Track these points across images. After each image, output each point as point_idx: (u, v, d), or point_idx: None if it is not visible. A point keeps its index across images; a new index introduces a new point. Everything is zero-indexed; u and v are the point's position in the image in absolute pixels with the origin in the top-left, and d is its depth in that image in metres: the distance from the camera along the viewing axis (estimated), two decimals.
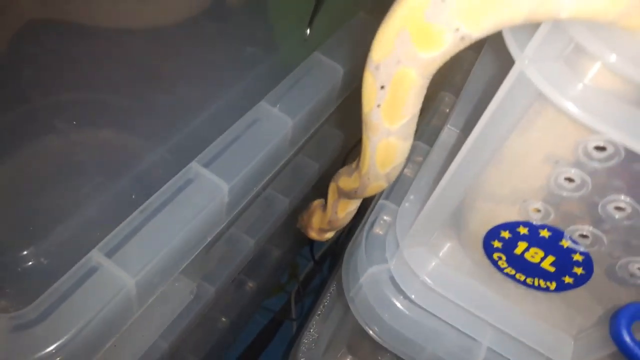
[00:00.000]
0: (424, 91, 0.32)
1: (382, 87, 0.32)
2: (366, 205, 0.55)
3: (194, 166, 0.51)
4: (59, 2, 0.61)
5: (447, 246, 0.47)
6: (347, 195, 0.46)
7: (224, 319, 0.90)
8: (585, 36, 0.27)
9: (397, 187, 0.55)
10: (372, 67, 0.31)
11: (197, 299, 0.64)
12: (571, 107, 0.28)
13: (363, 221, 0.55)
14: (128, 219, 0.46)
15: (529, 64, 0.29)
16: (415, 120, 0.34)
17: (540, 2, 0.25)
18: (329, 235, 0.57)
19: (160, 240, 0.46)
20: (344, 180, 0.45)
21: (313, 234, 0.57)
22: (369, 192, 0.43)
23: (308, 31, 0.67)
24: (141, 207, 0.47)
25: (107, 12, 0.62)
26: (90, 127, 0.54)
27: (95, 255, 0.43)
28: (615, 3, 0.24)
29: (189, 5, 0.66)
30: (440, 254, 0.47)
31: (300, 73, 0.61)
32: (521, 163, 0.36)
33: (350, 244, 0.55)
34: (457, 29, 0.27)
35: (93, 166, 0.51)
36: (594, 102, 0.28)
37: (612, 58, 0.26)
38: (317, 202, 0.57)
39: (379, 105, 0.33)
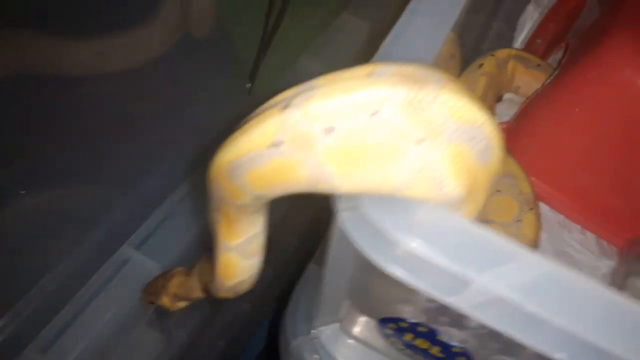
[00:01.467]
0: (261, 215, 0.32)
1: (218, 209, 0.32)
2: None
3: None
4: None
5: (360, 321, 0.48)
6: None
7: None
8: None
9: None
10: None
11: None
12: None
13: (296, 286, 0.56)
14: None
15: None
16: (258, 239, 0.34)
17: (317, 181, 0.24)
18: (181, 304, 0.53)
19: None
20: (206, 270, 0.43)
21: (165, 300, 0.52)
22: (220, 297, 0.41)
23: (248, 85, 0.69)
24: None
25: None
26: None
27: None
28: (384, 184, 0.24)
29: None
30: (354, 330, 0.48)
31: None
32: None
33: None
34: (252, 191, 0.28)
35: None
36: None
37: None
38: (180, 269, 0.53)
39: (218, 221, 0.33)
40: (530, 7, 0.75)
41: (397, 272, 0.25)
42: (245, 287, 0.38)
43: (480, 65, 0.62)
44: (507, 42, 0.74)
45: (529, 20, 0.74)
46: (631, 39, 0.50)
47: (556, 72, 0.59)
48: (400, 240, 0.24)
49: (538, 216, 0.53)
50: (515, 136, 0.61)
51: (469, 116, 0.23)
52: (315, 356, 0.49)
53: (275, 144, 0.23)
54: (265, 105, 0.25)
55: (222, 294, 0.38)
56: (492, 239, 0.24)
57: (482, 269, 0.23)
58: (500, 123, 0.63)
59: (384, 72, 0.23)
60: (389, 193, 0.23)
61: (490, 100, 0.61)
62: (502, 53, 0.64)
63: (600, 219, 0.58)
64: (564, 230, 0.58)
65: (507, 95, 0.67)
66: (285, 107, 0.23)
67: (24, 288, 0.52)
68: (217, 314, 0.65)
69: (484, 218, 0.53)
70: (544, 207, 0.59)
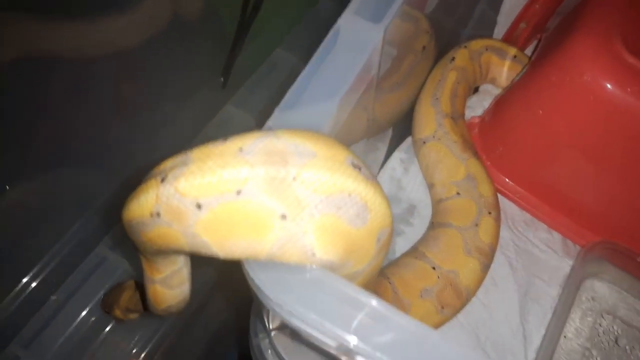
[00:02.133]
0: (178, 254, 0.34)
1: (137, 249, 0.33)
2: None
3: None
4: None
5: None
6: None
7: None
8: None
9: None
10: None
11: None
12: None
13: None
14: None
15: None
16: (181, 273, 0.36)
17: (198, 248, 0.26)
18: (133, 316, 0.54)
19: None
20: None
21: (117, 312, 0.53)
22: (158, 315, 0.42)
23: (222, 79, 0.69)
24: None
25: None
26: None
27: None
28: (255, 254, 0.24)
29: None
30: None
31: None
32: None
33: None
34: (151, 247, 0.28)
35: None
36: None
37: None
38: (131, 282, 0.54)
39: (140, 258, 0.35)
40: None
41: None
42: (176, 310, 0.39)
43: (452, 59, 0.61)
44: (490, 26, 0.72)
45: (513, 3, 0.71)
46: (592, 43, 0.48)
47: (525, 69, 0.57)
48: (271, 296, 0.25)
49: (497, 220, 0.53)
50: (485, 132, 0.61)
51: (334, 188, 0.23)
52: (271, 353, 0.52)
53: (155, 215, 0.25)
54: (152, 171, 0.26)
55: (158, 313, 0.40)
56: (362, 301, 0.25)
57: (346, 330, 0.24)
58: (472, 117, 0.63)
59: (253, 149, 0.23)
60: (265, 260, 0.25)
61: (462, 94, 0.60)
62: (476, 44, 0.63)
63: (567, 219, 0.57)
64: (529, 229, 0.58)
65: (483, 87, 0.66)
66: (162, 180, 0.24)
67: (8, 284, 0.55)
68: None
69: (441, 221, 0.54)
70: (510, 207, 0.59)
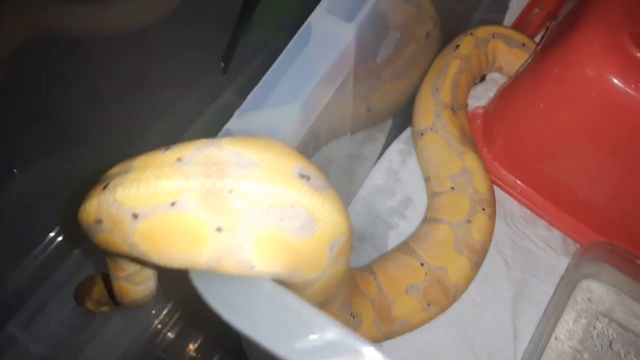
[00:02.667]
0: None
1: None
2: None
3: None
4: None
5: None
6: None
7: None
8: None
9: None
10: None
11: None
12: None
13: None
14: None
15: None
16: (145, 270, 0.35)
17: (139, 256, 0.25)
18: (105, 309, 0.54)
19: None
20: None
21: (89, 305, 0.54)
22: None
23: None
24: None
25: None
26: None
27: None
28: (193, 264, 0.24)
29: None
30: None
31: None
32: None
33: None
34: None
35: None
36: None
37: None
38: (99, 276, 0.54)
39: (105, 256, 0.35)
40: None
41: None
42: (142, 303, 0.39)
43: (456, 47, 0.59)
44: (502, 11, 0.68)
45: None
46: (597, 36, 0.45)
47: (530, 59, 0.55)
48: (211, 303, 0.25)
49: (491, 217, 0.51)
50: (488, 123, 0.59)
51: (275, 200, 0.23)
52: None
53: (98, 221, 0.25)
54: (102, 176, 0.26)
55: (125, 306, 0.40)
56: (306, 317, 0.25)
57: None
58: (476, 108, 0.60)
59: (191, 160, 0.23)
60: (204, 270, 0.24)
61: (464, 84, 0.58)
62: (483, 31, 0.60)
63: (569, 216, 0.55)
64: (528, 226, 0.56)
65: (490, 76, 0.64)
66: (104, 187, 0.24)
67: (8, 264, 0.57)
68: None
69: (434, 216, 0.53)
70: (510, 202, 0.57)
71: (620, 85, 0.45)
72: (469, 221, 0.51)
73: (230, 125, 0.28)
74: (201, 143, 0.24)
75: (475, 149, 0.55)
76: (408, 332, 0.49)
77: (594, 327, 0.51)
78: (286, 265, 0.25)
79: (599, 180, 0.52)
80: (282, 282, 0.26)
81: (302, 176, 0.24)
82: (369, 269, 0.49)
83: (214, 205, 0.22)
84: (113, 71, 0.61)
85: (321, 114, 0.38)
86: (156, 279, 0.37)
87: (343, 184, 0.56)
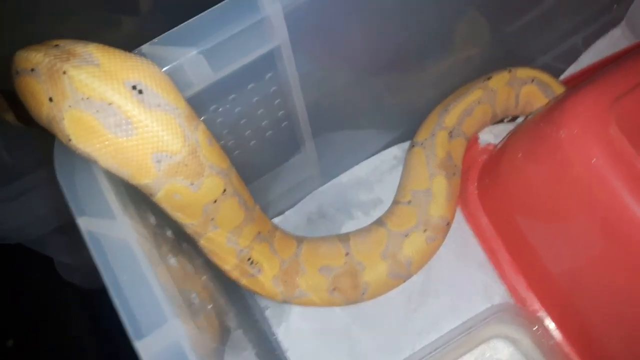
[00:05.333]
0: None
1: None
2: None
3: None
4: None
5: None
6: None
7: None
8: None
9: None
10: None
11: None
12: None
13: None
14: None
15: None
16: None
17: None
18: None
19: None
20: None
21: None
22: None
23: None
24: None
25: None
26: None
27: None
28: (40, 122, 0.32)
29: None
30: None
31: None
32: None
33: None
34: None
35: None
36: None
37: None
38: None
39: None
40: (617, 31, 0.63)
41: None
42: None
43: (488, 78, 0.59)
44: (568, 62, 0.65)
45: (608, 44, 0.63)
46: (586, 103, 0.44)
47: (530, 119, 0.53)
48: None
49: (431, 241, 0.52)
50: (487, 161, 0.59)
51: (94, 93, 0.30)
52: None
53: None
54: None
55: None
56: None
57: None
58: (489, 144, 0.60)
59: (61, 47, 0.30)
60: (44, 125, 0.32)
61: (479, 116, 0.58)
62: (523, 72, 0.59)
63: (522, 280, 0.54)
64: (477, 267, 0.56)
65: (522, 119, 0.62)
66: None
67: None
68: None
69: (382, 219, 0.55)
70: (471, 239, 0.57)
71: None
72: (406, 235, 0.52)
73: (143, 49, 0.35)
74: (79, 41, 0.31)
75: (454, 177, 0.55)
76: (305, 305, 0.53)
77: None
78: (101, 153, 0.31)
79: (561, 254, 0.49)
80: (121, 178, 0.33)
81: (134, 87, 0.30)
82: (299, 237, 0.54)
83: (52, 80, 0.30)
84: None
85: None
86: None
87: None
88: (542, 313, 0.52)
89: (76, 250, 0.77)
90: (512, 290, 0.54)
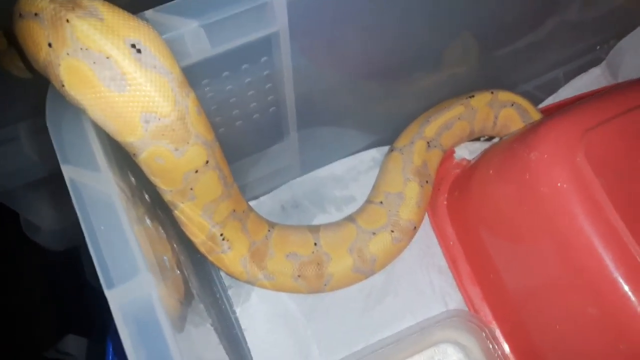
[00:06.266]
0: None
1: None
2: None
3: None
4: None
5: None
6: None
7: None
8: None
9: None
10: None
11: None
12: None
13: None
14: None
15: None
16: None
17: None
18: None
19: None
20: None
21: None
22: None
23: None
24: None
25: None
26: None
27: None
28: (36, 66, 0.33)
29: None
30: None
31: None
32: None
33: None
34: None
35: None
36: None
37: None
38: None
39: None
40: (596, 70, 0.67)
41: None
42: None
43: (471, 96, 0.61)
44: (548, 93, 0.68)
45: (588, 82, 0.67)
46: (558, 130, 0.47)
47: (503, 142, 0.56)
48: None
49: (397, 242, 0.54)
50: (459, 174, 0.61)
51: (94, 45, 0.30)
52: None
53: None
54: None
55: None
56: None
57: None
58: (463, 159, 0.62)
59: None
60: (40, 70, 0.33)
61: (457, 132, 0.60)
62: (504, 96, 0.61)
63: (477, 290, 0.56)
64: (438, 274, 0.58)
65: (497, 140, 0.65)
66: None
67: None
68: None
69: (353, 216, 0.57)
70: (435, 247, 0.59)
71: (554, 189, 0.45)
72: (374, 234, 0.54)
73: (147, 15, 0.36)
74: None
75: (427, 185, 0.57)
76: (268, 288, 0.54)
77: None
78: (91, 103, 0.32)
79: (518, 271, 0.52)
80: (107, 132, 0.34)
81: (134, 46, 0.31)
82: (272, 223, 0.55)
83: (54, 26, 0.30)
84: None
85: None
86: None
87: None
88: (493, 325, 0.54)
89: (44, 209, 0.76)
90: (468, 299, 0.56)
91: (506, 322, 0.54)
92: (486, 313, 0.55)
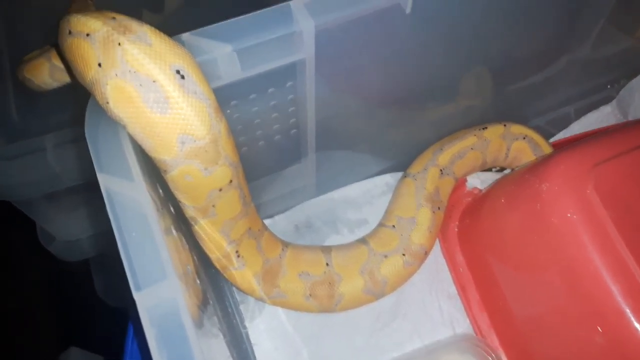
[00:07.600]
0: None
1: None
2: None
3: None
4: None
5: None
6: None
7: None
8: None
9: None
10: None
11: None
12: None
13: None
14: None
15: None
16: None
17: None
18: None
19: None
20: None
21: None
22: None
23: None
24: None
25: None
26: None
27: None
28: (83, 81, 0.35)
29: None
30: None
31: None
32: None
33: None
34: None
35: None
36: None
37: None
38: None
39: None
40: (607, 108, 0.69)
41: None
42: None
43: (484, 128, 0.63)
44: (560, 128, 0.70)
45: (599, 119, 0.68)
46: (569, 163, 0.48)
47: (515, 174, 0.57)
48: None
49: (408, 266, 0.55)
50: (471, 204, 0.62)
51: (142, 69, 0.32)
52: None
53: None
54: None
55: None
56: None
57: None
58: (475, 188, 0.64)
59: (119, 21, 0.33)
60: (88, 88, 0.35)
61: (469, 162, 0.62)
62: (517, 129, 0.63)
63: (486, 317, 0.57)
64: (447, 300, 0.59)
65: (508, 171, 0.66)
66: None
67: None
68: None
69: (365, 238, 0.58)
70: (444, 273, 0.60)
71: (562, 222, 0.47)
72: (386, 256, 0.56)
73: (183, 37, 0.39)
74: (134, 19, 0.34)
75: (438, 212, 0.59)
76: (280, 306, 0.55)
77: None
78: (133, 121, 0.34)
79: (526, 299, 0.53)
80: (142, 148, 0.36)
81: (178, 72, 0.33)
82: (285, 242, 0.57)
83: (106, 48, 0.33)
84: None
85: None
86: None
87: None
88: (500, 351, 0.55)
89: (60, 220, 0.78)
90: (476, 325, 0.57)
91: (513, 348, 0.55)
92: (493, 339, 0.56)
